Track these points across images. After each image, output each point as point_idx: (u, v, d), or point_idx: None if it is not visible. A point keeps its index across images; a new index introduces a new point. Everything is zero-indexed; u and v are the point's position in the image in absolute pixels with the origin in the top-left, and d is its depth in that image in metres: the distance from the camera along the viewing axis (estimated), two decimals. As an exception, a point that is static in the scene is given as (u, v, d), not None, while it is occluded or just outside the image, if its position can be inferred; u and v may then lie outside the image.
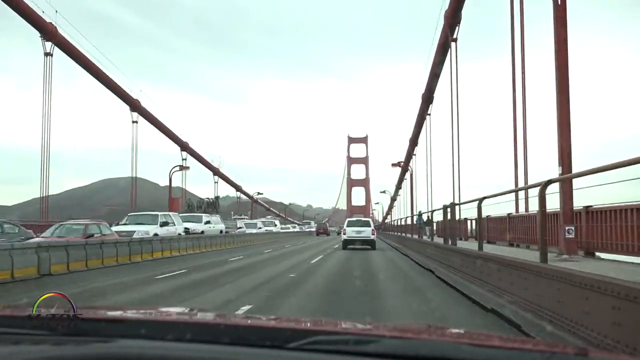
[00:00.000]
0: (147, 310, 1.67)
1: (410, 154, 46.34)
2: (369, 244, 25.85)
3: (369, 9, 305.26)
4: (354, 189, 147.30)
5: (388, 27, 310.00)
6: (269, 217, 69.52)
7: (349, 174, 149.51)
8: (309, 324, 1.57)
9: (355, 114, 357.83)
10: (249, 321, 1.63)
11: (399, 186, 61.18)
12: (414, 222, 25.14)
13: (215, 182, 66.26)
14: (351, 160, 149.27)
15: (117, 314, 1.60)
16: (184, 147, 56.91)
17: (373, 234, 26.31)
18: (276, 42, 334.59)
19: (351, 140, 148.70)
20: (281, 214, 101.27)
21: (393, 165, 51.44)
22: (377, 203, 73.82)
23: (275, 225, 55.45)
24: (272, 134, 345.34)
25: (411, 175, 33.44)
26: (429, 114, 36.54)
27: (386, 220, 75.31)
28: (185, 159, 56.19)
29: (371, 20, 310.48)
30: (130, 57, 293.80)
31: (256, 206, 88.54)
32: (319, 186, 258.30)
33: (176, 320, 1.53)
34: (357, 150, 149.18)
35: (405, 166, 50.28)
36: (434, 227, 22.20)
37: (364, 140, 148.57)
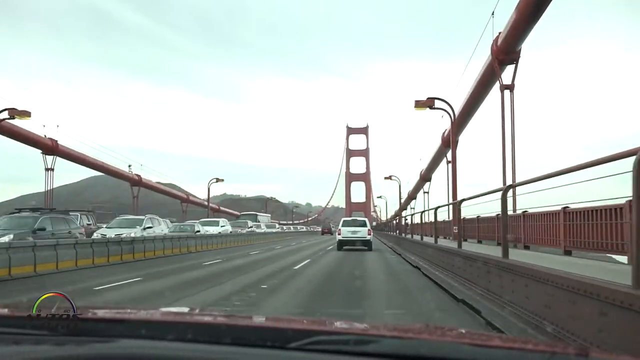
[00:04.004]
0: (147, 310, 1.67)
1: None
2: (365, 244, 25.98)
3: (369, 8, 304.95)
4: (353, 184, 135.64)
5: (388, 25, 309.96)
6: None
7: (347, 167, 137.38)
8: (309, 324, 1.57)
9: (356, 112, 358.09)
10: (250, 321, 1.63)
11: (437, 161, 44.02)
12: None
13: (134, 197, 58.87)
14: (350, 153, 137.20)
15: (117, 314, 1.60)
16: (48, 148, 44.39)
17: (369, 234, 26.52)
18: (276, 41, 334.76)
19: (350, 131, 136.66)
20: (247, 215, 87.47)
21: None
22: (395, 177, 51.10)
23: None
24: (272, 133, 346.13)
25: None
26: (510, 87, 22.72)
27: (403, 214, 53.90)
28: (52, 170, 44.73)
29: (371, 18, 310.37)
30: (129, 54, 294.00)
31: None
32: (320, 184, 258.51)
33: (177, 320, 1.53)
34: (357, 142, 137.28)
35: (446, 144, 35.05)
36: None
37: (364, 130, 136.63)
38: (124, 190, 73.19)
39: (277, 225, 64.47)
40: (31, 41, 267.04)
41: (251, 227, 44.85)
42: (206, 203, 73.91)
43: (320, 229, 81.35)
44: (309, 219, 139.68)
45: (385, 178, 47.24)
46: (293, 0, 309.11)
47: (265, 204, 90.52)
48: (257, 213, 67.70)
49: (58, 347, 1.17)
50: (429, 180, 49.82)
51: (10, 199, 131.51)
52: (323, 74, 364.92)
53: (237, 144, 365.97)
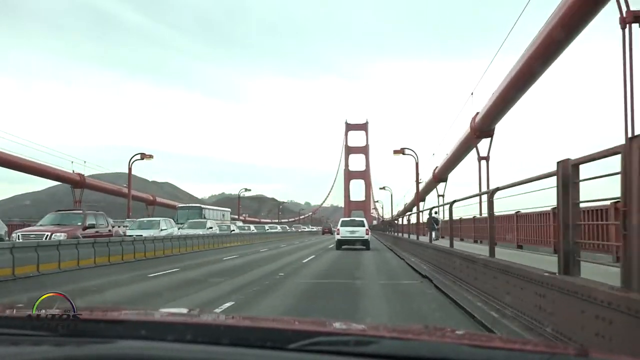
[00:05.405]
0: (147, 311, 1.67)
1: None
2: (363, 243, 26.32)
3: (369, 8, 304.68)
4: (352, 181, 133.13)
5: (388, 25, 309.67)
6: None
7: (346, 165, 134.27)
8: (309, 325, 1.57)
9: (356, 112, 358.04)
10: (249, 322, 1.63)
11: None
12: None
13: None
14: (349, 150, 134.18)
15: (117, 314, 1.60)
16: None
17: (367, 234, 26.92)
18: (276, 41, 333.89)
19: (349, 127, 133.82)
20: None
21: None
22: (409, 151, 32.63)
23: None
24: (272, 133, 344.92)
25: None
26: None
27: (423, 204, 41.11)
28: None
29: (371, 18, 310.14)
30: (129, 54, 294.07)
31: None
32: (320, 183, 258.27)
33: (176, 321, 1.53)
34: (356, 139, 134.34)
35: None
36: None
37: (363, 127, 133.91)
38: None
39: (211, 225, 33.50)
40: (31, 41, 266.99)
41: (93, 224, 19.02)
42: (144, 194, 58.72)
43: (309, 229, 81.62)
44: (301, 217, 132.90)
45: (395, 152, 32.96)
46: (293, 0, 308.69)
47: (238, 201, 68.93)
48: (205, 206, 48.34)
49: (58, 348, 1.17)
50: (492, 135, 27.84)
51: (5, 198, 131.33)
52: (323, 73, 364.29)
53: (237, 144, 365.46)
